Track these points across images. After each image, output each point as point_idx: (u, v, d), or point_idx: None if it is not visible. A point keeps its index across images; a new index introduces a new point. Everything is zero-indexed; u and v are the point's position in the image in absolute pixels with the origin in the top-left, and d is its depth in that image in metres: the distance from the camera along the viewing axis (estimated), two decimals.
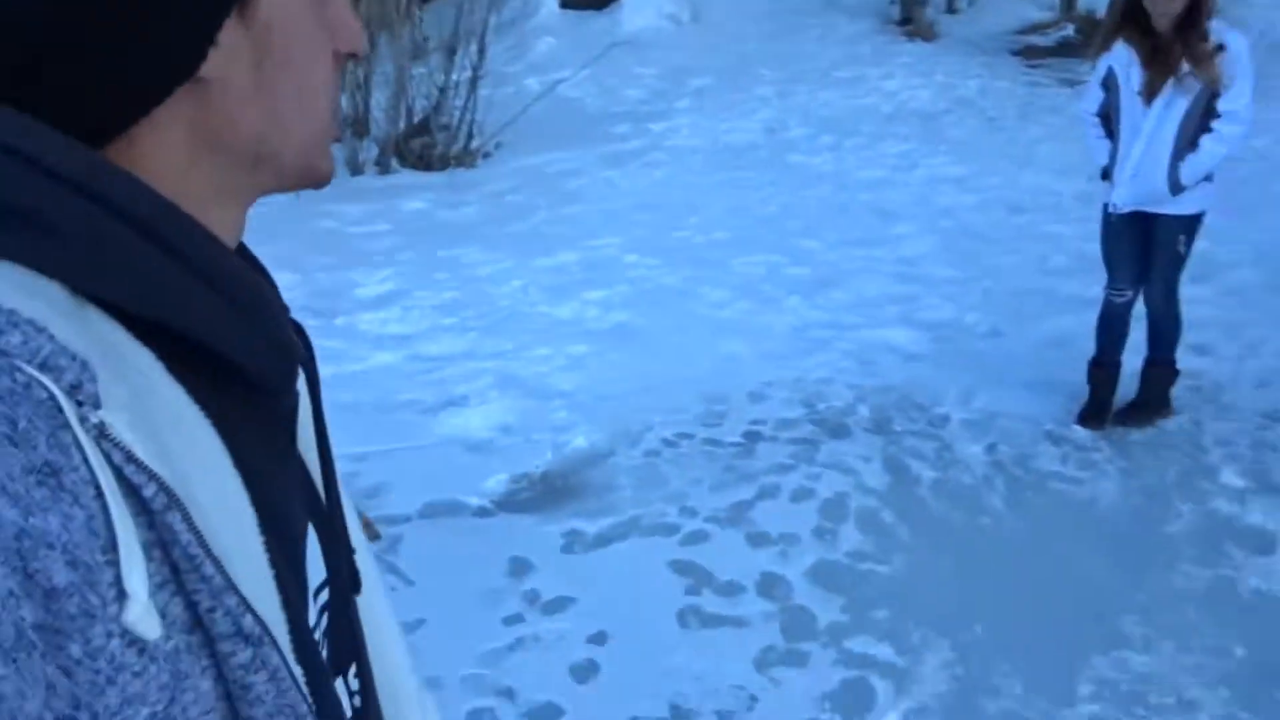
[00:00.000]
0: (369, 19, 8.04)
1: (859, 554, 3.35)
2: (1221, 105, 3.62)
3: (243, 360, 0.54)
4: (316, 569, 0.62)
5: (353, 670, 0.67)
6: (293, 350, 0.59)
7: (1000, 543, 3.42)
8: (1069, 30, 10.96)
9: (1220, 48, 3.58)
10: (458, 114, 8.32)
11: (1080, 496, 3.66)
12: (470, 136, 8.20)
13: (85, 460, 0.43)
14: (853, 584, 3.20)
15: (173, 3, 0.51)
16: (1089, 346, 4.25)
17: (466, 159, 8.19)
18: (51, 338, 0.44)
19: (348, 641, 0.66)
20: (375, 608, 0.73)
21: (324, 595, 0.63)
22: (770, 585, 3.18)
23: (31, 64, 0.50)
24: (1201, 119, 3.65)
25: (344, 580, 0.67)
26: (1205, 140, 3.65)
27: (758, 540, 3.40)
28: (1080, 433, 4.05)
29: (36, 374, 0.43)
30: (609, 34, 10.64)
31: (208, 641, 0.48)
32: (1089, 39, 10.20)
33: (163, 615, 0.45)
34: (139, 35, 0.50)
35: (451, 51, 8.37)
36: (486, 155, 8.37)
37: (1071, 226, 6.25)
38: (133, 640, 0.44)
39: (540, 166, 7.81)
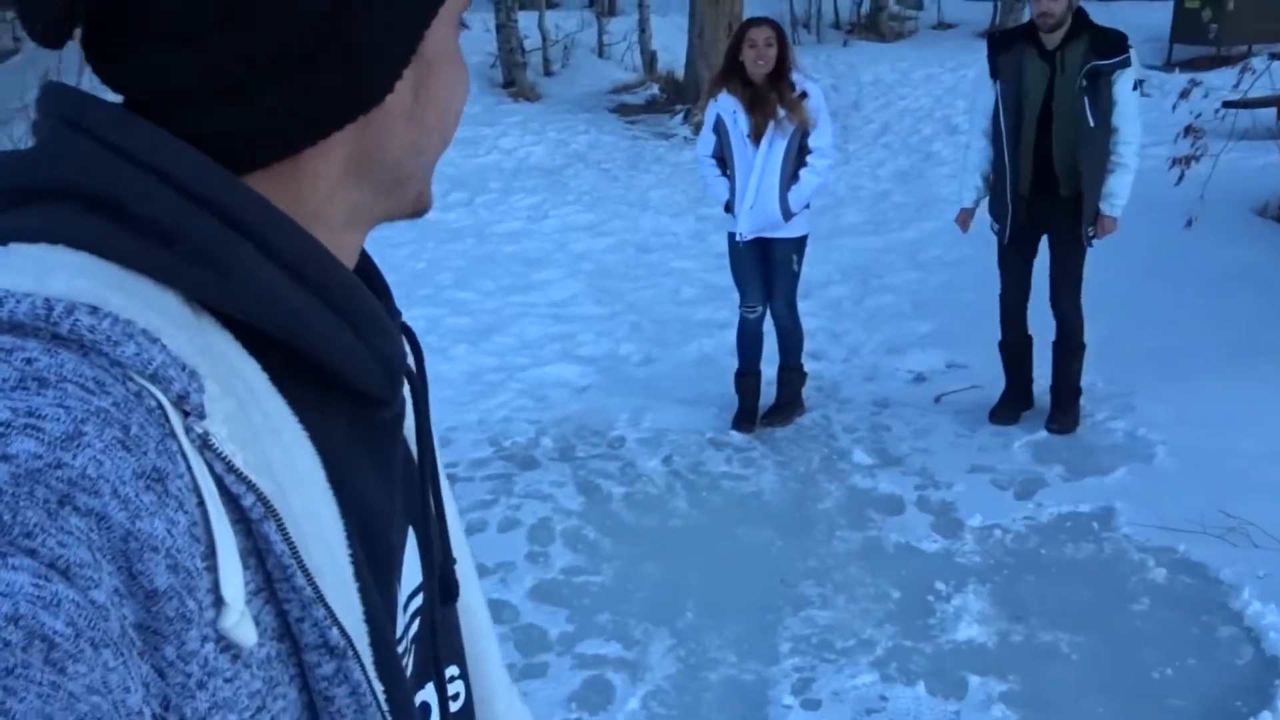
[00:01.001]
0: None
1: (572, 569, 3.59)
2: (811, 143, 4.31)
3: (351, 374, 0.55)
4: (412, 575, 0.62)
5: (449, 674, 0.68)
6: (400, 365, 0.60)
7: (691, 538, 3.82)
8: (654, 89, 12.09)
9: (804, 94, 4.27)
10: None
11: (748, 489, 4.17)
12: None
13: (189, 468, 0.45)
14: (572, 596, 3.44)
15: (378, 35, 0.53)
16: (729, 362, 4.83)
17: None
18: (164, 349, 0.45)
19: (439, 648, 0.67)
20: (475, 612, 0.75)
21: (416, 601, 0.63)
22: (497, 610, 3.34)
23: (238, 84, 0.51)
24: (798, 155, 4.32)
25: (438, 587, 0.67)
26: (804, 173, 4.32)
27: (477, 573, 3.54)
28: (736, 436, 4.58)
29: (147, 384, 0.45)
30: None
31: (295, 651, 0.49)
32: (671, 97, 11.37)
33: (256, 622, 0.46)
34: (344, 64, 0.52)
35: None
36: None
37: (692, 261, 6.98)
38: (227, 646, 0.44)
39: None
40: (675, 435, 4.60)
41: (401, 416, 0.63)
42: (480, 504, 3.98)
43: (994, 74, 4.19)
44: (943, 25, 15.02)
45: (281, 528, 0.47)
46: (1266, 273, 5.52)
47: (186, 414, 0.46)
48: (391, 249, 7.09)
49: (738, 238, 4.45)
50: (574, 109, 11.04)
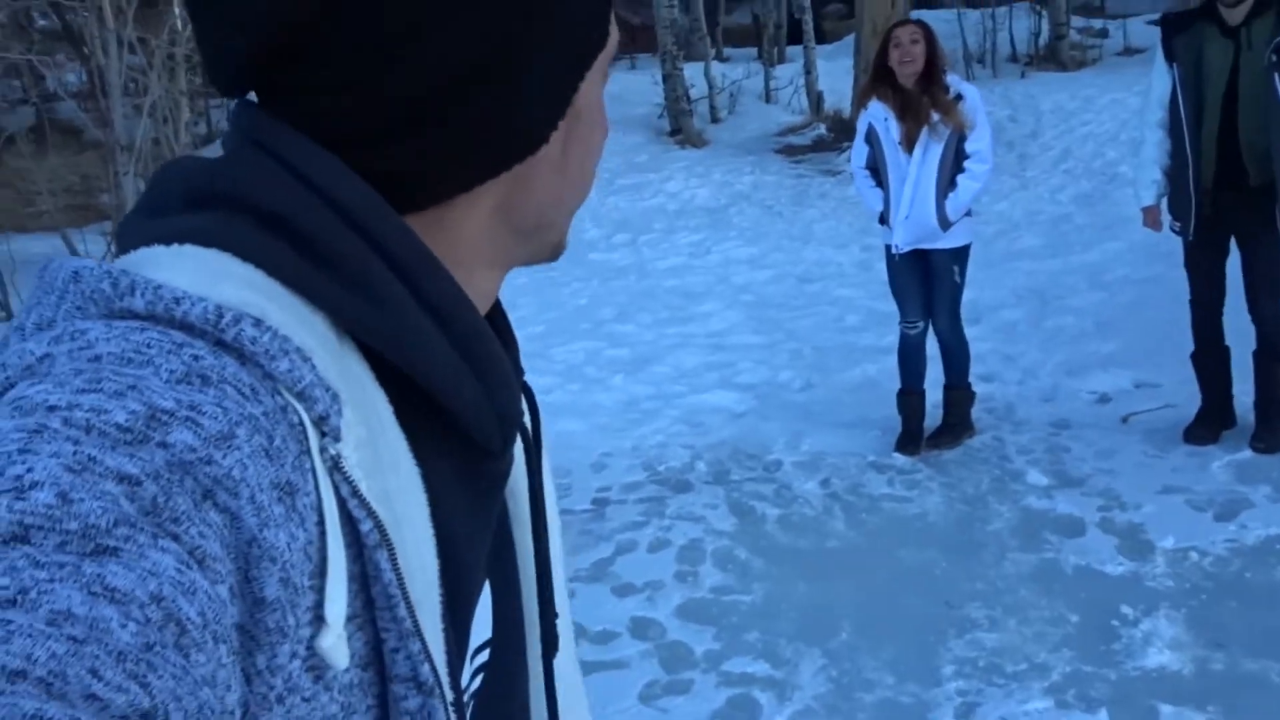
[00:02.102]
0: (145, 158, 7.89)
1: (721, 589, 3.46)
2: (969, 147, 4.10)
3: (468, 421, 0.56)
4: (481, 629, 0.62)
5: None
6: (516, 420, 0.61)
7: (848, 558, 3.62)
8: (821, 129, 11.96)
9: (959, 97, 4.08)
10: None
11: (911, 511, 3.93)
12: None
13: (317, 487, 0.46)
14: (720, 615, 3.30)
15: (538, 86, 0.55)
16: (893, 386, 4.60)
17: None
18: (313, 368, 0.47)
19: (504, 705, 0.66)
20: (567, 671, 0.74)
21: (482, 656, 0.63)
22: (643, 628, 3.24)
23: (401, 129, 0.53)
24: (954, 161, 4.11)
25: (511, 644, 0.67)
26: (961, 179, 4.11)
27: (623, 590, 3.46)
28: (900, 459, 4.35)
29: (294, 401, 0.47)
30: None
31: (379, 681, 0.49)
32: (837, 135, 11.21)
33: (348, 647, 0.47)
34: (506, 112, 0.55)
35: None
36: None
37: (856, 289, 6.78)
38: (312, 666, 0.45)
39: None
40: (834, 458, 4.41)
41: (507, 473, 0.64)
42: (631, 525, 3.91)
43: (1169, 57, 3.88)
44: (1129, 51, 14.24)
45: (393, 557, 0.48)
46: None
47: (323, 434, 0.47)
48: (555, 287, 7.21)
49: (894, 250, 4.27)
50: (739, 152, 11.03)
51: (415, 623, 0.49)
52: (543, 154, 0.57)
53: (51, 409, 0.41)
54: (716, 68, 13.24)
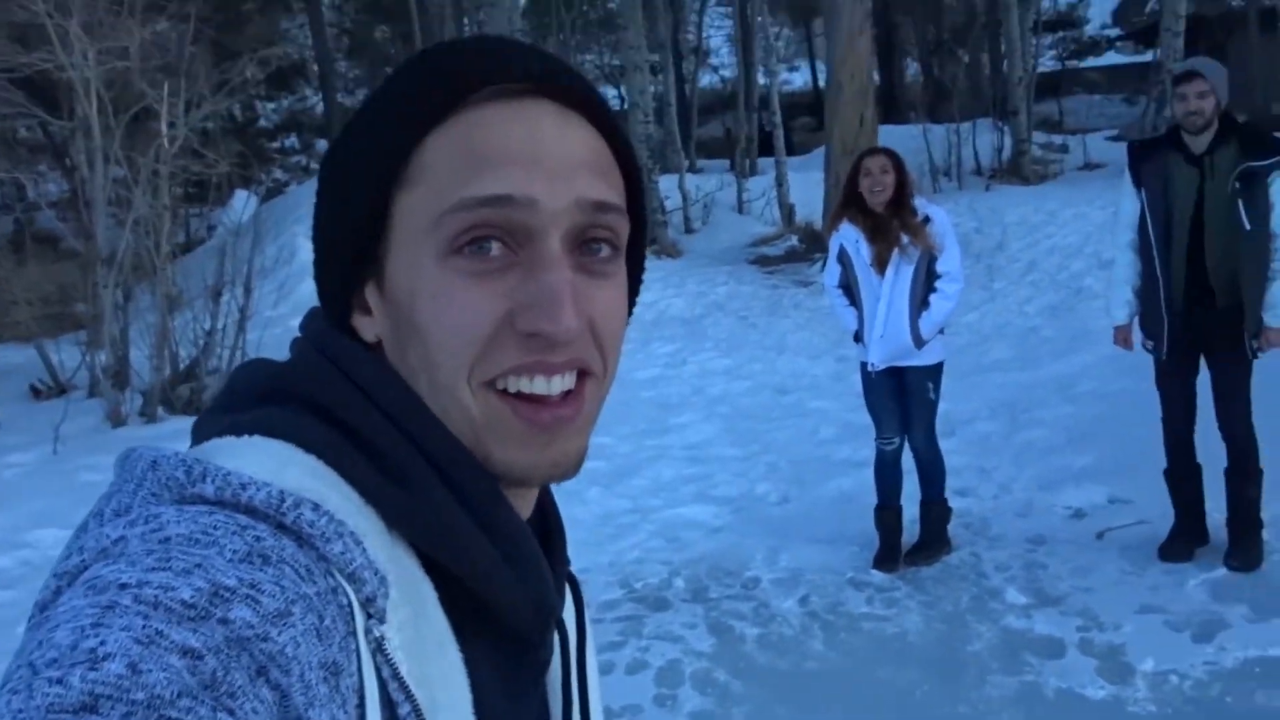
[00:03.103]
0: (126, 269, 7.93)
1: (701, 714, 3.40)
2: (939, 267, 4.20)
3: (504, 611, 0.58)
4: None
5: None
6: (552, 611, 0.63)
7: (827, 680, 3.57)
8: (793, 240, 12.22)
9: (928, 219, 4.19)
10: (226, 355, 8.21)
11: (890, 630, 3.90)
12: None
13: (359, 669, 0.49)
14: None
15: (326, 260, 0.64)
16: (870, 500, 4.62)
17: None
18: (364, 551, 0.51)
19: None
20: None
21: None
22: None
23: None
24: (926, 281, 4.21)
25: None
26: (934, 299, 4.20)
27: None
28: (878, 576, 4.34)
29: (344, 582, 0.50)
30: None
31: None
32: (809, 246, 11.44)
33: None
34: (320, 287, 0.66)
35: (217, 295, 8.34)
36: None
37: (831, 401, 6.84)
38: None
39: None
40: (813, 575, 4.39)
41: (547, 662, 0.66)
42: (609, 645, 3.85)
43: (1137, 183, 4.02)
44: (1090, 165, 14.75)
45: None
46: None
47: (369, 616, 0.50)
48: None
49: (870, 368, 4.33)
50: (714, 263, 11.23)
51: None
52: (377, 338, 0.62)
53: (123, 586, 0.44)
54: (690, 179, 13.57)
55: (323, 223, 0.63)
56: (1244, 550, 4.09)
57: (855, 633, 3.91)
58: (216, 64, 9.33)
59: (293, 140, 22.89)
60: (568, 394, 0.59)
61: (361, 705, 0.48)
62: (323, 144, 21.38)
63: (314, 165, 20.54)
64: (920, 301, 4.17)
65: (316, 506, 0.50)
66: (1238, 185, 3.77)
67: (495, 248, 0.57)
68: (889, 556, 4.42)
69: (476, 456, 0.59)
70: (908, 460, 4.48)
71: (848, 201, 4.23)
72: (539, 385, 0.58)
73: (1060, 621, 3.85)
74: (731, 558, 4.62)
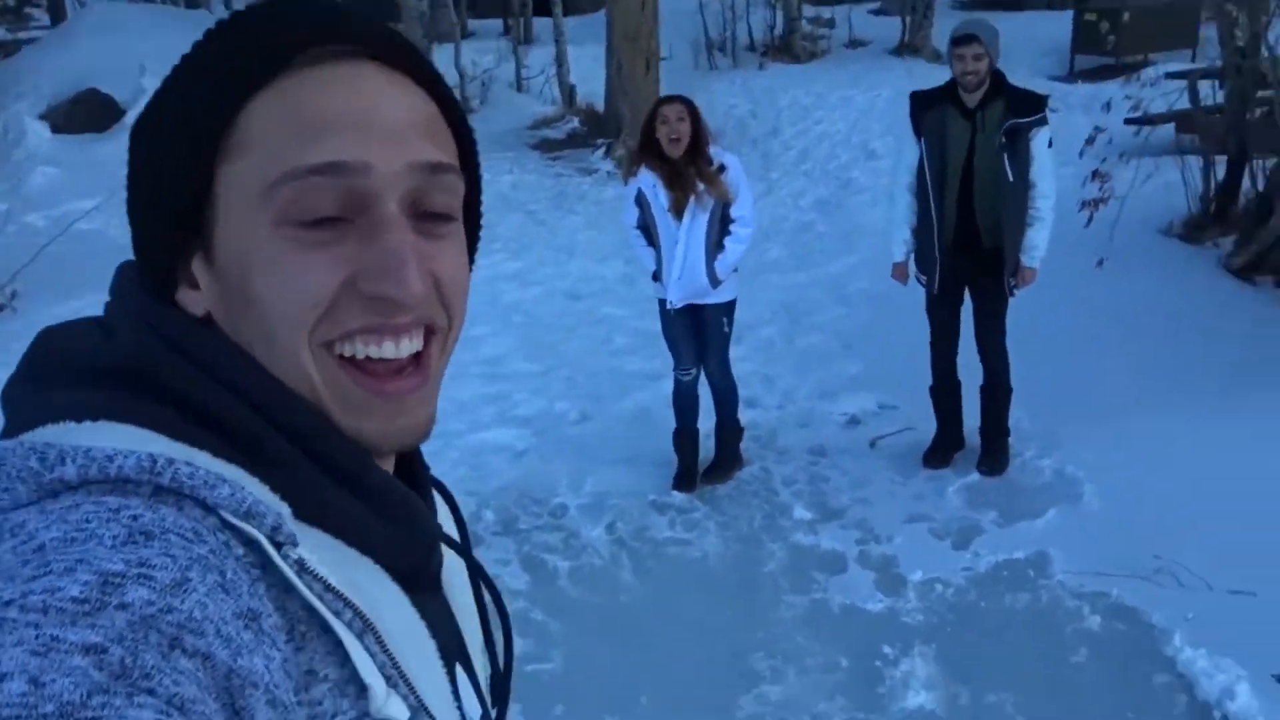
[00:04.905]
0: None
1: (522, 658, 3.58)
2: (733, 212, 4.36)
3: (384, 557, 0.59)
4: (472, 707, 0.66)
5: None
6: (430, 551, 0.64)
7: (639, 615, 3.83)
8: (575, 123, 12.11)
9: (722, 167, 4.32)
10: None
11: (692, 555, 4.19)
12: None
13: (279, 608, 0.49)
14: (523, 689, 3.42)
15: (145, 235, 0.61)
16: (666, 416, 4.85)
17: None
18: (250, 491, 0.51)
19: None
20: None
21: None
22: None
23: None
24: (721, 225, 4.36)
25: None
26: (728, 242, 4.37)
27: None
28: (678, 497, 4.61)
29: (241, 523, 0.49)
30: (120, 158, 9.98)
31: None
32: (592, 130, 11.38)
33: None
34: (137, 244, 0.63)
35: None
36: (3, 308, 7.56)
37: (622, 307, 7.00)
38: None
39: (80, 311, 7.18)
40: (617, 499, 4.61)
41: (439, 569, 0.67)
42: None
43: (917, 132, 4.28)
44: (854, 43, 15.27)
45: (379, 640, 0.51)
46: (1176, 300, 5.71)
47: (280, 544, 0.50)
48: None
49: (669, 305, 4.48)
50: (496, 147, 11.00)
51: (419, 699, 0.52)
52: (205, 310, 0.60)
53: (6, 603, 0.42)
54: (466, 52, 13.08)
55: (138, 197, 0.61)
56: (993, 457, 4.62)
57: (660, 559, 4.18)
58: None
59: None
60: (416, 356, 0.60)
61: (291, 639, 0.49)
62: (40, 11, 18.97)
63: (30, 33, 18.26)
64: (715, 244, 4.32)
65: (189, 463, 0.50)
66: (1004, 140, 4.09)
67: (330, 215, 0.56)
68: (688, 477, 4.69)
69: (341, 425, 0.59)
70: (702, 385, 4.71)
71: (645, 148, 4.28)
72: (387, 349, 0.58)
73: (841, 535, 4.25)
74: (538, 484, 4.77)
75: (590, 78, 12.17)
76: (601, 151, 10.70)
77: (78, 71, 11.46)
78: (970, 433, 4.79)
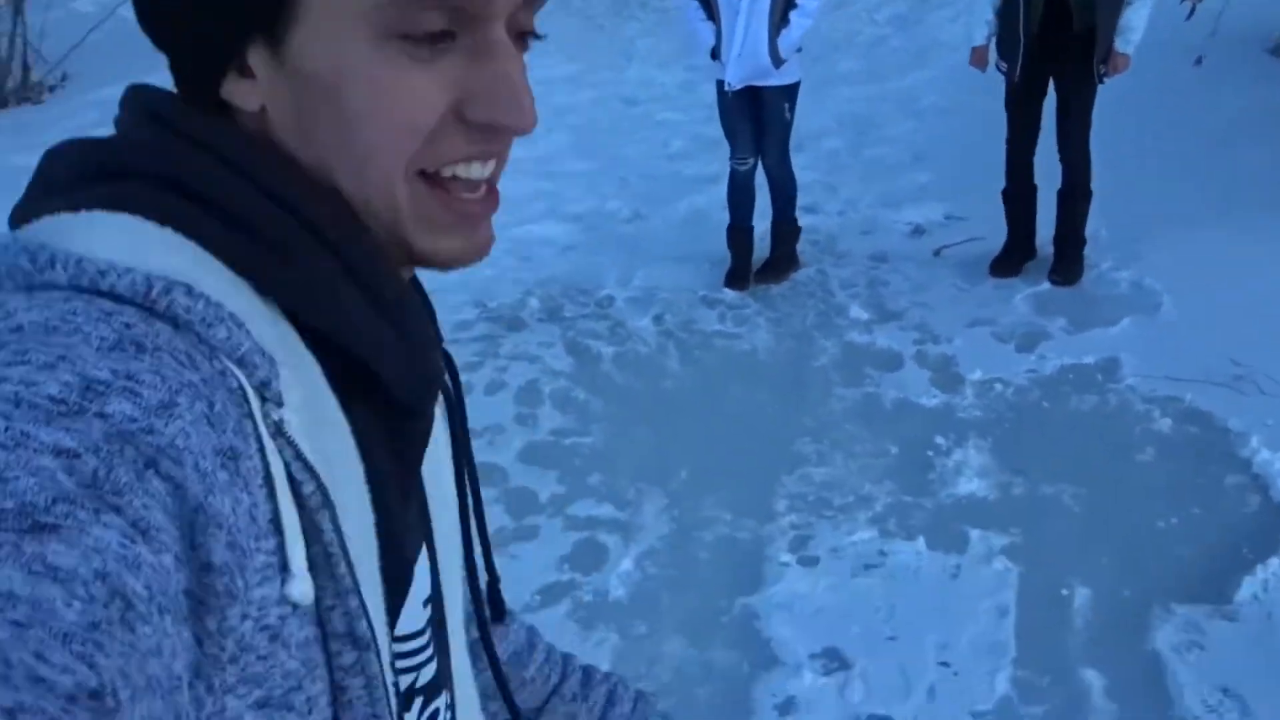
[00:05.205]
0: None
1: (562, 431, 3.50)
2: None
3: (392, 381, 0.56)
4: (422, 587, 0.63)
5: (443, 697, 0.67)
6: (436, 378, 0.62)
7: (683, 398, 3.71)
8: None
9: None
10: (4, 44, 7.29)
11: (741, 348, 4.04)
12: (27, 69, 7.24)
13: (260, 450, 0.46)
14: (562, 458, 3.35)
15: (197, 17, 0.52)
16: (721, 218, 4.64)
17: (30, 94, 7.24)
18: (249, 334, 0.47)
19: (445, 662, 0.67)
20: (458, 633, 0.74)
21: (428, 611, 0.63)
22: (486, 473, 3.24)
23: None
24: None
25: (487, 607, 0.72)
26: (794, 15, 4.05)
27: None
28: (729, 294, 4.44)
29: (233, 367, 0.46)
30: None
31: (324, 637, 0.49)
32: None
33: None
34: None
35: None
36: (54, 89, 7.44)
37: (681, 113, 6.70)
38: (266, 625, 0.45)
39: None
40: (666, 293, 4.45)
41: (428, 432, 0.64)
42: (466, 366, 3.85)
43: None
44: None
45: (334, 517, 0.48)
46: (1271, 117, 5.28)
47: (265, 400, 0.48)
48: None
49: (727, 87, 4.20)
50: None
51: (354, 580, 0.49)
52: (257, 106, 0.53)
53: None
54: None
55: None
56: (1067, 266, 4.36)
57: (708, 350, 4.03)
58: None
59: None
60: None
61: (265, 486, 0.46)
62: None
63: None
64: (780, 19, 4.01)
65: (190, 290, 0.46)
66: None
67: (439, 30, 0.52)
68: (740, 275, 4.51)
69: (375, 233, 0.56)
70: (759, 179, 4.48)
71: None
72: (475, 170, 0.56)
73: (899, 336, 4.07)
74: (585, 276, 4.62)
75: None
76: None
77: None
78: (1043, 243, 4.52)
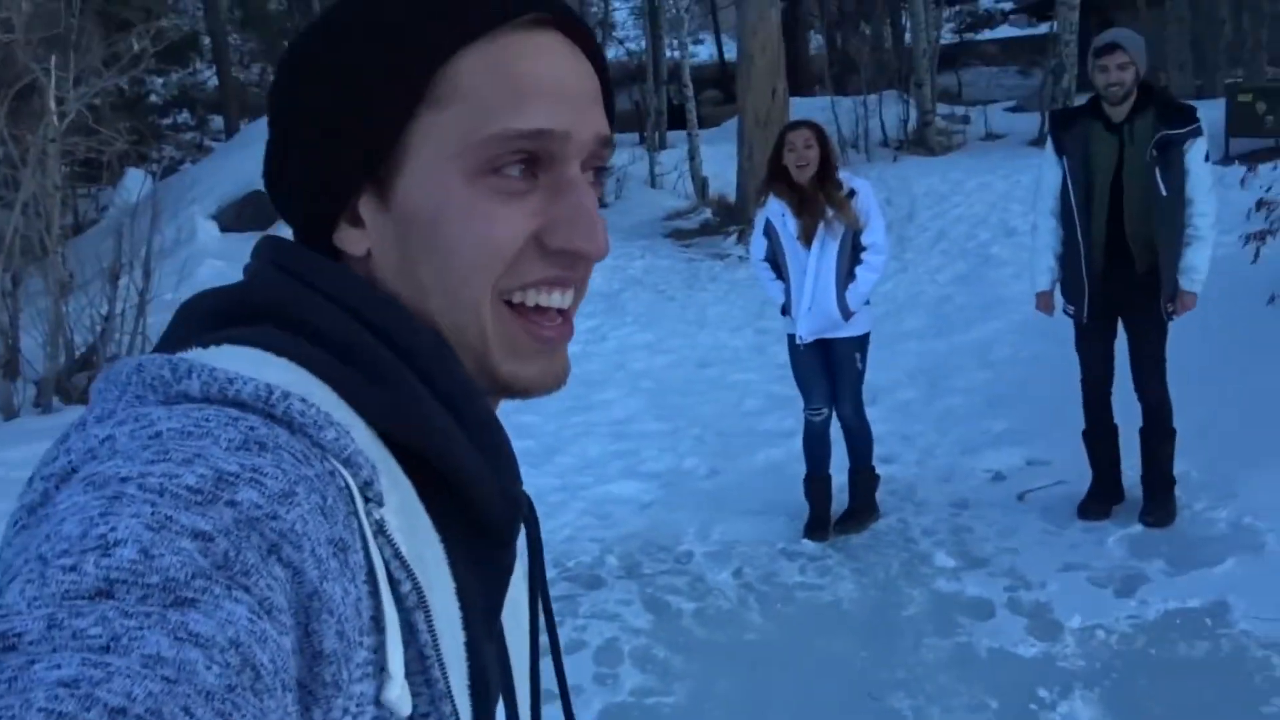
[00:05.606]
0: (14, 253, 7.53)
1: (642, 691, 3.38)
2: (865, 240, 4.22)
3: (483, 505, 0.59)
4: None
5: None
6: (520, 504, 0.64)
7: (767, 652, 3.58)
8: (707, 213, 12.23)
9: (852, 192, 4.21)
10: (126, 341, 7.87)
11: (825, 599, 3.93)
12: None
13: (364, 547, 0.49)
14: (643, 718, 3.22)
15: (312, 175, 0.61)
16: (797, 471, 4.64)
17: None
18: (354, 440, 0.51)
19: None
20: None
21: None
22: None
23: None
24: (852, 253, 4.22)
25: None
26: (860, 270, 4.22)
27: (544, 697, 3.34)
28: (809, 545, 4.37)
29: (340, 467, 0.50)
30: None
31: None
32: (723, 219, 11.46)
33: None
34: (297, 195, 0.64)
35: (115, 278, 7.97)
36: None
37: (753, 373, 6.86)
38: (372, 718, 0.48)
39: None
40: (745, 547, 4.39)
41: (512, 564, 0.66)
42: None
43: (1059, 150, 4.08)
44: (991, 136, 15.08)
45: (429, 618, 0.51)
46: None
47: (368, 500, 0.51)
48: None
49: (798, 340, 4.33)
50: (629, 237, 11.17)
51: (448, 685, 0.51)
52: (365, 251, 0.61)
53: (125, 479, 0.44)
54: None
55: (314, 133, 0.61)
56: (1159, 507, 4.22)
57: (790, 603, 3.93)
58: (105, 36, 8.88)
59: (185, 116, 22.00)
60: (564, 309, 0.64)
61: (369, 582, 0.49)
62: (218, 120, 20.59)
63: (208, 142, 19.77)
64: (847, 274, 4.18)
65: (304, 399, 0.51)
66: (1155, 153, 3.85)
67: (519, 171, 0.60)
68: (819, 525, 4.45)
69: (464, 359, 0.61)
70: (834, 430, 4.51)
71: (773, 175, 4.21)
72: (554, 299, 0.62)
73: (988, 582, 3.93)
74: (663, 533, 4.61)
75: (722, 172, 12.33)
76: (734, 238, 10.72)
77: (245, 176, 12.28)
78: (1131, 485, 4.41)
